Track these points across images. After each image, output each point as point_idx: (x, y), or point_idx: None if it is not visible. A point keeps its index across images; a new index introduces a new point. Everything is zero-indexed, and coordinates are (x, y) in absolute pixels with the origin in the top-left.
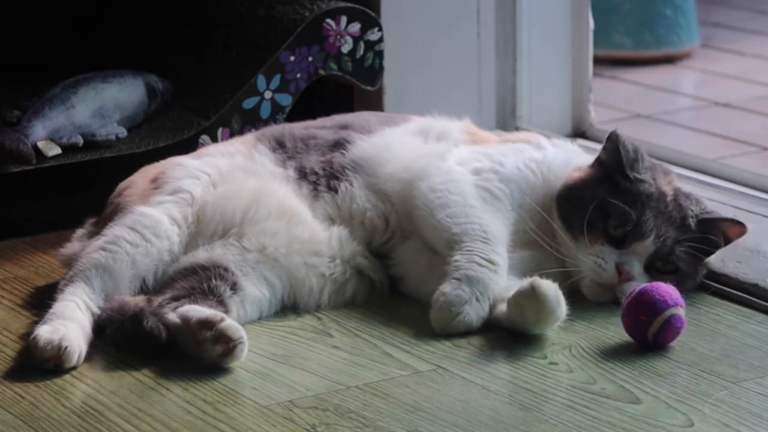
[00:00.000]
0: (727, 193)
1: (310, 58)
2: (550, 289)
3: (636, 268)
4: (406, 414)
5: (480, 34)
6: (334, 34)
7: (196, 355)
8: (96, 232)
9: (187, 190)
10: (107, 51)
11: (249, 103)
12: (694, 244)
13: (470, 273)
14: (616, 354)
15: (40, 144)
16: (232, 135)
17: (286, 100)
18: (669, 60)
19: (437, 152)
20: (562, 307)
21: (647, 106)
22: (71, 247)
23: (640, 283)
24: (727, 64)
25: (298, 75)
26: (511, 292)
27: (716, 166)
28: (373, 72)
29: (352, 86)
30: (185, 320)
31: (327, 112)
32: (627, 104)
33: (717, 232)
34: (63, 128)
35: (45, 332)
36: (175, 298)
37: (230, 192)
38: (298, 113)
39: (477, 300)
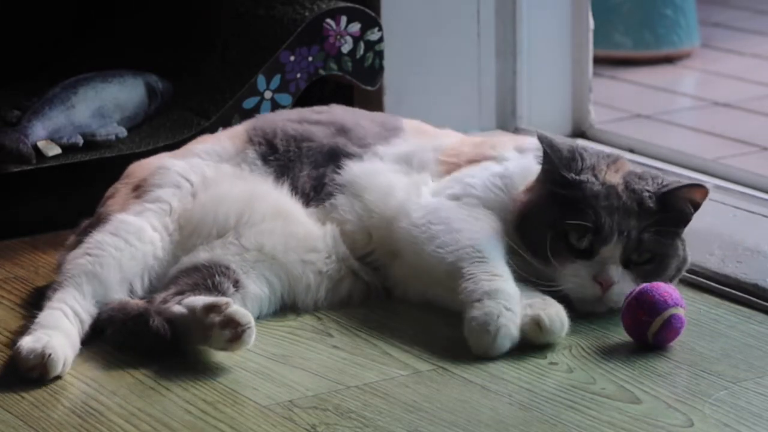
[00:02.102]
0: (727, 193)
1: (310, 58)
2: (555, 321)
3: (613, 271)
4: (406, 414)
5: (480, 34)
6: (334, 34)
7: (202, 345)
8: (82, 240)
9: (165, 201)
10: (107, 51)
11: (249, 103)
12: (660, 225)
13: (486, 289)
14: (616, 354)
15: (40, 144)
16: None
17: (286, 100)
18: (669, 60)
19: (413, 187)
20: (566, 327)
21: (647, 106)
22: (64, 253)
23: (625, 284)
24: (727, 64)
25: (298, 75)
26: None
27: (716, 166)
28: (373, 72)
29: (352, 86)
30: (191, 308)
31: None
32: (627, 104)
33: (681, 201)
34: (63, 128)
35: (27, 342)
36: (179, 293)
37: (220, 195)
38: None
39: (507, 309)
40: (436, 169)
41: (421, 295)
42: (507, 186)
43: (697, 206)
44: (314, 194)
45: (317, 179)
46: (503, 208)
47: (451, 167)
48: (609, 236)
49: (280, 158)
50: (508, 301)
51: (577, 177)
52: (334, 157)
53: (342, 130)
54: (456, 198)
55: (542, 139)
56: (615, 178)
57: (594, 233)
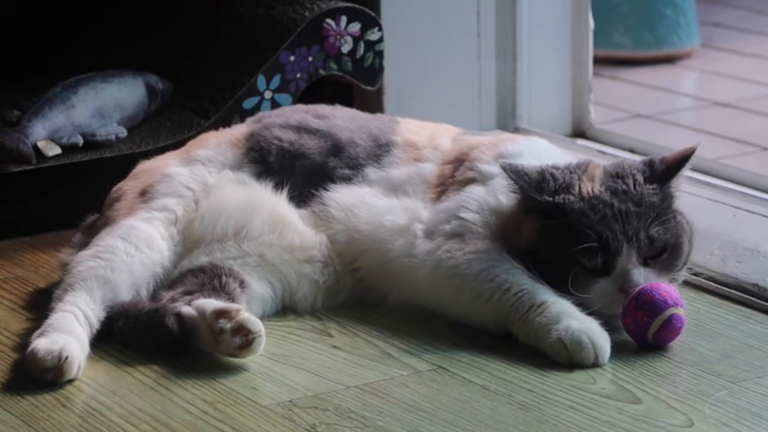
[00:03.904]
0: (727, 193)
1: (310, 58)
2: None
3: (636, 276)
4: (406, 414)
5: (480, 34)
6: (334, 34)
7: (210, 349)
8: (88, 242)
9: (171, 210)
10: (107, 51)
11: (249, 103)
12: (664, 213)
13: (548, 316)
14: (616, 354)
15: (40, 144)
16: None
17: (286, 100)
18: (669, 60)
19: (403, 213)
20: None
21: (647, 106)
22: (70, 252)
23: (651, 280)
24: (727, 64)
25: (298, 75)
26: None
27: (716, 166)
28: (373, 72)
29: (352, 86)
30: (201, 311)
31: None
32: (627, 104)
33: (678, 174)
34: (63, 128)
35: (43, 344)
36: (188, 293)
37: (219, 206)
38: None
39: (576, 319)
40: (424, 197)
41: (423, 308)
42: (496, 209)
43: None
44: (306, 204)
45: (309, 195)
46: (498, 232)
47: (439, 192)
48: (619, 247)
49: (275, 176)
50: (569, 313)
51: (552, 199)
52: (325, 177)
53: (336, 148)
54: (455, 235)
55: (506, 168)
56: (594, 187)
57: (603, 250)
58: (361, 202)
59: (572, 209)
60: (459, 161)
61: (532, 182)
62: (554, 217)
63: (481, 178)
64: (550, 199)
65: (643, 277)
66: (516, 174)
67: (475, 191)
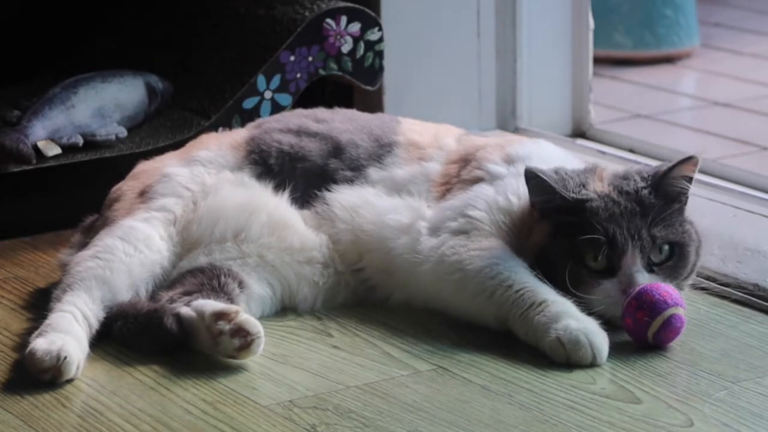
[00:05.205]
0: (727, 193)
1: (310, 58)
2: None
3: (640, 279)
4: (406, 414)
5: (480, 34)
6: (334, 34)
7: (208, 350)
8: (88, 242)
9: (170, 210)
10: (107, 51)
11: (249, 103)
12: (665, 213)
13: (548, 315)
14: (616, 354)
15: (40, 144)
16: None
17: (286, 100)
18: (669, 60)
19: (406, 212)
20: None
21: (647, 106)
22: (69, 252)
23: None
24: (726, 63)
25: (298, 75)
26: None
27: (716, 166)
28: (373, 72)
29: (352, 86)
30: (200, 313)
31: None
32: (627, 104)
33: (676, 181)
34: (63, 128)
35: (41, 344)
36: (187, 293)
37: (218, 208)
38: None
39: (575, 319)
40: (428, 196)
41: (424, 306)
42: (507, 209)
43: (690, 180)
44: (308, 205)
45: (312, 196)
46: (509, 232)
47: (443, 190)
48: (624, 244)
49: (275, 177)
50: (569, 313)
51: (577, 196)
52: (326, 179)
53: (337, 150)
54: (460, 232)
55: (531, 171)
56: (604, 186)
57: (609, 246)
58: (364, 202)
59: (588, 206)
60: (465, 161)
61: (557, 182)
62: (572, 214)
63: (489, 178)
64: (576, 196)
65: (646, 281)
66: (545, 175)
67: (483, 190)
